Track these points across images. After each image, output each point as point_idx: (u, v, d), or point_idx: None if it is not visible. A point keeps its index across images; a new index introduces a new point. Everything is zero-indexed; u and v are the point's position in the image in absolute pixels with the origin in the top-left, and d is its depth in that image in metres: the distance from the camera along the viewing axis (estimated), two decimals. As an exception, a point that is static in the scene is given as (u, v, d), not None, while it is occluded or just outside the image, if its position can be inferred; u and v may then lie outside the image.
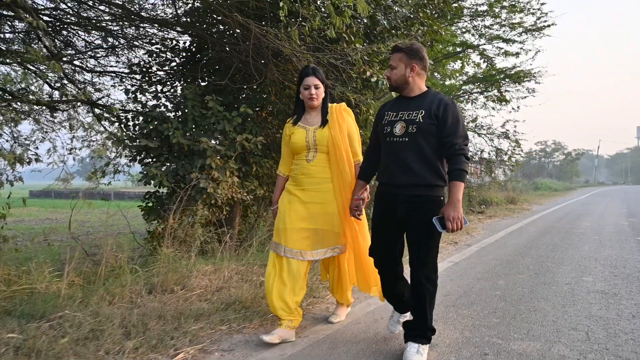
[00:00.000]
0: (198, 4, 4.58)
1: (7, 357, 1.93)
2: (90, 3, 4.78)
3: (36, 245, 5.14)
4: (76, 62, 5.71)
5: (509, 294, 3.29)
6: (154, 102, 4.72)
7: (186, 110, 4.11)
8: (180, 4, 4.87)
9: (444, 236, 5.71)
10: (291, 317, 2.38)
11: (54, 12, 4.96)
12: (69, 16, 5.03)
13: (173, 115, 4.35)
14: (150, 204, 4.25)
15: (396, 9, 4.49)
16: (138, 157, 4.22)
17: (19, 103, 5.03)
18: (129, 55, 5.71)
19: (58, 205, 16.76)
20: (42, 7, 4.86)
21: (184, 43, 4.97)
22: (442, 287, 3.26)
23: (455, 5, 7.99)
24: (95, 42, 5.56)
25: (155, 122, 3.98)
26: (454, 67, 11.44)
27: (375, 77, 4.13)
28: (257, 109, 4.63)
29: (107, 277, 3.07)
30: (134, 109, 4.96)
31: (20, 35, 5.21)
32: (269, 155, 4.65)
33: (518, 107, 11.53)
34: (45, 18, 4.79)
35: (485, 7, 9.69)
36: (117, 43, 5.48)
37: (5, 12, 4.58)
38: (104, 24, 5.08)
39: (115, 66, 5.88)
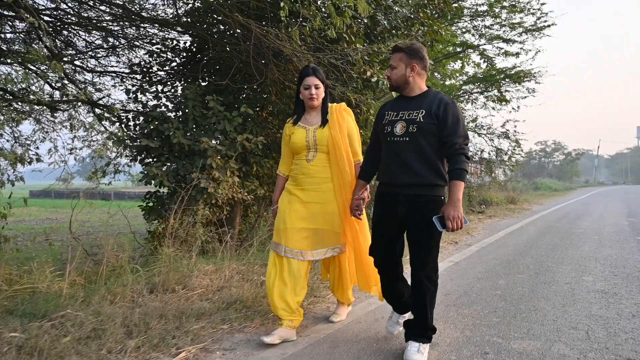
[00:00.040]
0: (198, 4, 4.59)
1: (10, 355, 1.94)
2: (91, 3, 4.79)
3: (36, 245, 5.15)
4: (77, 62, 5.71)
5: (509, 294, 3.30)
6: (155, 102, 4.73)
7: (187, 110, 4.12)
8: (181, 4, 4.88)
9: (444, 236, 5.71)
10: (292, 317, 2.38)
11: (55, 12, 4.97)
12: (69, 16, 5.04)
13: (174, 115, 4.36)
14: (150, 204, 4.25)
15: (396, 9, 4.50)
16: (139, 157, 4.23)
17: (19, 103, 5.04)
18: (129, 55, 5.72)
19: (58, 205, 16.77)
20: (43, 7, 4.87)
21: (185, 43, 4.99)
22: (442, 286, 3.27)
23: (456, 5, 8.00)
24: (95, 42, 5.57)
25: (156, 122, 3.98)
26: (454, 67, 11.45)
27: (376, 77, 4.14)
28: (257, 109, 4.64)
29: (109, 277, 3.08)
30: (135, 109, 4.97)
31: (21, 35, 5.22)
32: (270, 155, 4.66)
33: (518, 107, 11.55)
34: (46, 18, 4.79)
35: (485, 7, 9.70)
36: (117, 43, 5.49)
37: (6, 12, 4.59)
38: (105, 24, 5.09)
39: (116, 66, 5.90)
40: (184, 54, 4.95)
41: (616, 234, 6.53)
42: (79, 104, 5.65)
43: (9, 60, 5.01)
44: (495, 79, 11.01)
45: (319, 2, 3.81)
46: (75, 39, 5.46)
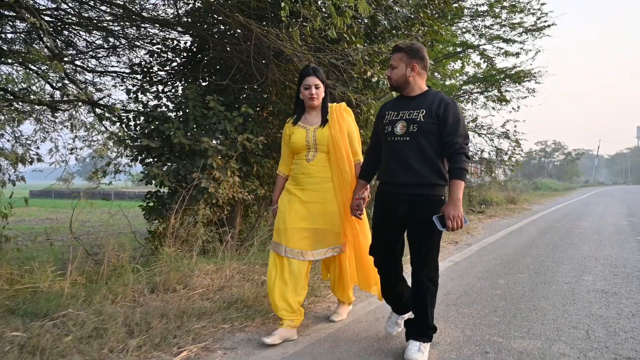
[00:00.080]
0: (199, 4, 4.60)
1: (12, 355, 1.95)
2: (92, 3, 4.79)
3: (37, 245, 5.15)
4: (77, 62, 5.72)
5: (510, 293, 3.30)
6: (155, 102, 4.74)
7: (187, 110, 4.12)
8: (181, 4, 4.88)
9: (444, 236, 5.72)
10: (293, 317, 2.39)
11: (55, 12, 4.98)
12: (70, 16, 5.05)
13: (174, 115, 4.36)
14: (151, 204, 4.26)
15: (397, 9, 4.51)
16: (139, 157, 4.24)
17: (20, 103, 5.05)
18: (130, 55, 5.72)
19: (59, 205, 16.78)
20: (44, 7, 4.87)
21: (185, 43, 4.99)
22: (442, 286, 3.28)
23: (456, 5, 8.00)
24: (96, 42, 5.58)
25: (157, 122, 3.99)
26: (454, 67, 11.45)
27: (376, 77, 4.15)
28: (258, 109, 4.64)
29: (109, 277, 3.09)
30: (135, 109, 4.98)
31: (22, 35, 5.23)
32: (270, 155, 4.67)
33: (518, 107, 11.55)
34: (47, 18, 4.80)
35: (485, 7, 9.71)
36: (118, 43, 5.50)
37: (6, 12, 4.59)
38: (105, 24, 5.09)
39: (117, 66, 5.91)
40: (185, 54, 4.95)
41: (616, 234, 6.53)
42: (80, 104, 5.65)
43: (9, 61, 5.02)
44: (495, 79, 11.02)
45: (319, 2, 3.82)
46: (75, 39, 5.47)
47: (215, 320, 2.55)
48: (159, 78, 5.06)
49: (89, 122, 5.96)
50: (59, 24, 5.06)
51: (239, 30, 3.96)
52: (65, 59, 5.35)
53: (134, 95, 4.84)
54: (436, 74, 10.51)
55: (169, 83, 5.01)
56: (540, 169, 47.80)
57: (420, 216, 2.09)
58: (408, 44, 2.20)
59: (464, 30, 10.29)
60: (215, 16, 4.35)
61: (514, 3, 9.63)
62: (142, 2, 5.03)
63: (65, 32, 5.32)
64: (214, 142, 3.96)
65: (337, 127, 2.49)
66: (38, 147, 5.63)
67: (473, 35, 10.37)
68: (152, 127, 3.98)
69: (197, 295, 2.94)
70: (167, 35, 5.12)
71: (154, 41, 5.15)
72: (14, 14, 4.45)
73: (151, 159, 4.20)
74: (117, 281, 2.95)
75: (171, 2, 4.90)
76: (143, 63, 5.10)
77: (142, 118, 4.41)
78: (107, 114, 5.48)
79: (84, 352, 2.04)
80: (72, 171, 5.87)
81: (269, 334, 2.36)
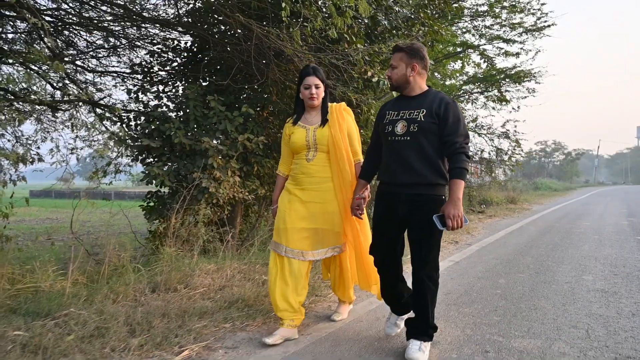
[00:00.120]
0: (199, 4, 4.60)
1: (15, 354, 1.95)
2: (92, 3, 4.80)
3: (37, 245, 5.17)
4: (78, 62, 5.73)
5: (510, 293, 3.31)
6: (156, 102, 4.74)
7: (188, 110, 4.13)
8: (182, 4, 4.89)
9: (444, 235, 5.73)
10: (293, 317, 2.39)
11: (56, 13, 4.99)
12: (70, 16, 5.05)
13: (175, 115, 4.37)
14: (151, 204, 4.27)
15: (397, 9, 4.52)
16: (140, 157, 4.24)
17: (21, 103, 5.05)
18: (130, 55, 5.73)
19: (59, 205, 16.78)
20: (44, 8, 4.88)
21: (186, 43, 5.00)
22: (443, 285, 3.29)
23: (456, 5, 8.01)
24: (96, 42, 5.58)
25: (157, 122, 4.00)
26: (454, 67, 11.46)
27: (377, 77, 4.15)
28: (258, 108, 4.65)
29: (111, 276, 3.09)
30: (136, 109, 4.98)
31: (22, 35, 5.23)
32: (270, 155, 4.67)
33: (518, 107, 11.55)
34: (47, 18, 4.80)
35: (485, 8, 9.71)
36: (118, 43, 5.50)
37: (7, 13, 4.60)
38: (106, 24, 5.10)
39: (117, 66, 5.91)
40: (185, 54, 4.96)
41: (616, 234, 6.54)
42: (80, 104, 5.66)
43: (10, 61, 5.02)
44: (496, 79, 11.02)
45: (319, 3, 3.82)
46: (76, 39, 5.48)
47: (216, 319, 2.56)
48: (160, 78, 5.06)
49: (89, 122, 5.97)
50: (60, 24, 5.07)
51: (239, 31, 3.97)
52: (66, 59, 5.35)
53: (135, 95, 4.84)
54: (436, 74, 10.52)
55: (170, 83, 5.02)
56: (540, 169, 47.81)
57: (421, 216, 2.09)
58: (408, 43, 2.21)
59: (464, 30, 10.30)
60: (216, 16, 4.36)
61: (514, 3, 9.64)
62: (142, 2, 5.04)
63: (66, 32, 5.32)
64: (215, 142, 3.97)
65: (337, 127, 2.49)
66: (38, 147, 5.65)
67: (473, 35, 10.38)
68: (153, 127, 3.99)
69: (198, 294, 2.95)
70: (168, 35, 5.13)
71: (155, 41, 5.16)
72: (15, 14, 4.46)
73: (152, 159, 4.21)
74: (118, 281, 2.96)
75: (172, 2, 4.90)
76: (143, 63, 5.11)
77: (142, 118, 4.42)
78: (107, 114, 5.48)
79: (86, 351, 2.04)
80: (73, 171, 5.87)
81: (270, 333, 2.37)
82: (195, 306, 2.71)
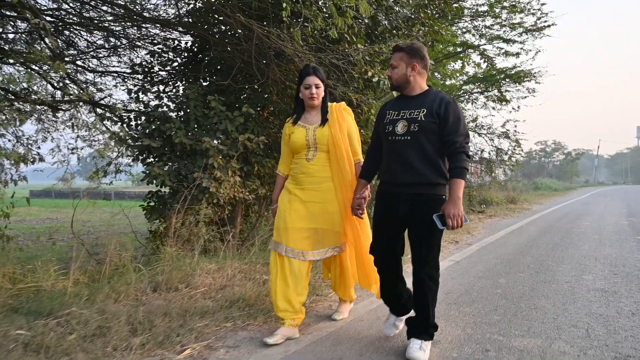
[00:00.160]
0: (200, 4, 4.61)
1: (17, 353, 1.96)
2: (93, 3, 4.81)
3: (37, 245, 5.17)
4: (78, 62, 5.73)
5: (510, 292, 3.32)
6: (156, 102, 4.75)
7: (188, 110, 4.14)
8: (182, 4, 4.90)
9: (445, 235, 5.74)
10: (294, 317, 2.40)
11: (57, 13, 4.99)
12: (71, 16, 5.06)
13: (175, 115, 4.37)
14: (152, 204, 4.27)
15: (397, 9, 4.52)
16: (140, 157, 4.25)
17: (21, 103, 5.06)
18: (131, 55, 5.74)
19: (59, 205, 16.79)
20: (45, 8, 4.89)
21: (186, 43, 5.00)
22: (443, 285, 3.29)
23: (456, 5, 8.01)
24: (97, 42, 5.59)
25: (158, 122, 4.00)
26: (454, 67, 11.47)
27: (377, 77, 4.16)
28: (258, 108, 4.66)
29: (112, 276, 3.10)
30: (137, 109, 4.99)
31: (23, 35, 5.24)
32: (271, 155, 4.68)
33: (518, 107, 11.56)
34: (48, 18, 4.81)
35: (485, 8, 9.72)
36: (119, 43, 5.51)
37: (8, 13, 4.61)
38: (106, 24, 5.10)
39: (118, 66, 5.92)
40: (186, 54, 4.97)
41: (616, 234, 6.55)
42: (81, 103, 5.67)
43: (11, 61, 5.03)
44: (496, 79, 11.03)
45: (320, 3, 3.83)
46: (76, 39, 5.49)
47: (217, 318, 2.57)
48: (160, 78, 5.07)
49: (90, 122, 5.97)
50: (60, 24, 5.08)
51: (239, 31, 3.97)
52: (67, 59, 5.36)
53: (135, 95, 4.85)
54: (436, 74, 10.52)
55: (170, 83, 5.02)
56: (540, 169, 47.82)
57: (421, 215, 2.09)
58: (408, 43, 2.21)
59: (464, 30, 10.31)
60: (216, 16, 4.37)
61: (514, 3, 9.65)
62: (143, 3, 5.05)
63: (67, 32, 5.33)
64: (215, 142, 3.97)
65: (337, 127, 2.49)
66: (39, 147, 5.65)
67: (473, 35, 10.39)
68: (154, 127, 3.99)
69: (199, 294, 2.95)
70: (168, 36, 5.13)
71: (155, 41, 5.17)
72: (16, 14, 4.47)
73: (152, 159, 4.22)
74: (119, 280, 2.96)
75: (172, 2, 4.91)
76: (144, 63, 5.11)
77: (143, 118, 4.42)
78: (108, 114, 5.49)
79: (88, 350, 2.05)
80: (73, 171, 5.88)
81: (271, 332, 2.38)
82: (196, 305, 2.71)
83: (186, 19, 4.82)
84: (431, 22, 4.92)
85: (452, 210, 1.96)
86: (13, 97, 5.06)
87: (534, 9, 9.82)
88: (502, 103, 11.33)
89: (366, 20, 4.43)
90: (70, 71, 5.59)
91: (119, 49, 5.61)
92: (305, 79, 2.46)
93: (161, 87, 4.95)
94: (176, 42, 5.02)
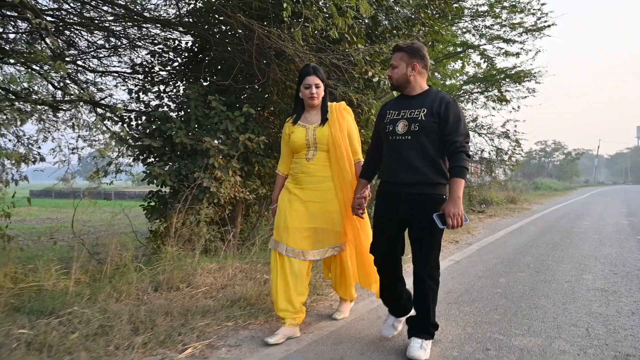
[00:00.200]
0: (200, 4, 4.62)
1: (20, 352, 1.97)
2: (93, 3, 4.81)
3: (38, 245, 5.17)
4: (79, 62, 5.74)
5: (510, 292, 3.33)
6: (157, 102, 4.76)
7: (189, 110, 4.14)
8: (183, 4, 4.90)
9: (445, 235, 5.74)
10: (295, 316, 2.40)
11: (57, 13, 5.00)
12: (71, 16, 5.07)
13: (176, 115, 4.38)
14: (152, 204, 4.28)
15: (397, 9, 4.53)
16: (141, 157, 4.26)
17: (22, 103, 5.06)
18: (131, 55, 5.74)
19: (59, 205, 16.80)
20: (46, 8, 4.89)
21: (187, 43, 5.01)
22: (443, 284, 3.30)
23: (456, 5, 8.02)
24: (97, 42, 5.60)
25: (159, 122, 4.01)
26: (454, 67, 11.48)
27: (377, 77, 4.17)
28: (259, 108, 4.67)
29: (113, 275, 3.11)
30: (137, 109, 5.00)
31: (24, 35, 5.25)
32: (271, 155, 4.69)
33: (518, 107, 11.58)
34: (49, 18, 4.82)
35: (485, 8, 9.73)
36: (119, 43, 5.51)
37: (8, 13, 4.61)
38: (107, 24, 5.11)
39: (118, 66, 5.92)
40: (186, 54, 4.97)
41: (616, 233, 6.56)
42: (81, 103, 5.67)
43: (11, 61, 5.03)
44: (496, 78, 11.04)
45: (320, 3, 3.84)
46: (77, 39, 5.49)
47: (218, 318, 2.58)
48: (161, 78, 5.08)
49: (91, 121, 5.98)
50: (61, 24, 5.08)
51: (240, 31, 3.98)
52: (67, 59, 5.37)
53: (136, 95, 4.85)
54: (436, 73, 10.53)
55: (171, 83, 5.03)
56: (540, 169, 47.83)
57: (422, 215, 2.10)
58: (408, 43, 2.22)
59: (464, 30, 10.32)
60: (217, 16, 4.37)
61: (514, 3, 9.66)
62: (143, 3, 5.05)
63: (67, 32, 5.34)
64: (216, 141, 3.98)
65: (337, 126, 2.49)
66: (39, 147, 5.66)
67: (473, 35, 10.41)
68: (154, 126, 4.00)
69: (200, 293, 2.96)
70: (169, 36, 5.14)
71: (156, 41, 5.18)
72: (16, 14, 4.47)
73: (153, 159, 4.23)
74: (120, 280, 2.97)
75: (173, 2, 4.92)
76: (144, 63, 5.12)
77: (143, 118, 4.43)
78: (108, 114, 5.50)
79: (91, 349, 2.06)
80: (73, 171, 5.89)
81: (272, 331, 2.39)
82: (197, 305, 2.72)
83: (187, 19, 4.83)
84: (431, 22, 4.93)
85: (452, 210, 1.96)
86: (14, 97, 5.07)
87: (534, 9, 9.84)
88: (502, 103, 11.34)
89: (366, 21, 4.44)
90: (70, 71, 5.60)
91: (119, 49, 5.62)
92: (305, 79, 2.47)
93: (162, 87, 4.96)
94: (177, 42, 5.03)
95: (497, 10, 9.80)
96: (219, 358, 2.14)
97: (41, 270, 2.94)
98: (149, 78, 5.04)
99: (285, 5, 3.19)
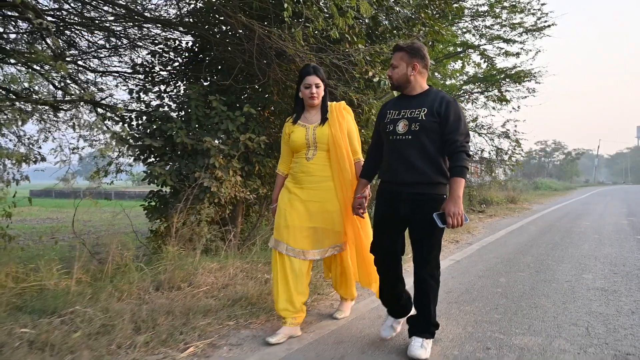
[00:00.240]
0: (201, 4, 4.62)
1: (22, 350, 1.98)
2: (94, 4, 4.82)
3: (38, 244, 5.18)
4: (79, 62, 5.75)
5: (510, 291, 3.34)
6: (158, 102, 4.77)
7: (189, 110, 4.15)
8: (183, 4, 4.91)
9: (445, 235, 5.75)
10: (295, 315, 2.41)
11: (58, 13, 5.01)
12: (72, 16, 5.07)
13: (177, 115, 4.39)
14: (153, 203, 4.28)
15: (398, 9, 4.54)
16: (142, 157, 4.26)
17: (23, 103, 5.07)
18: (132, 55, 5.75)
19: (59, 204, 16.80)
20: (46, 8, 4.90)
21: (187, 43, 5.02)
22: (444, 284, 3.30)
23: (456, 5, 8.03)
24: (98, 42, 5.60)
25: (159, 122, 4.02)
26: (454, 67, 11.48)
27: (378, 77, 4.17)
28: (259, 108, 4.67)
29: (114, 275, 3.12)
30: (138, 109, 5.01)
31: (24, 35, 5.25)
32: (272, 155, 4.69)
33: (518, 106, 11.57)
34: (49, 18, 4.82)
35: (486, 8, 9.74)
36: (120, 43, 5.52)
37: (9, 13, 4.62)
38: (107, 25, 5.12)
39: (119, 66, 5.93)
40: (187, 54, 4.98)
41: (616, 233, 6.57)
42: (82, 103, 5.68)
43: (12, 61, 5.04)
44: (496, 78, 11.04)
45: (321, 3, 3.85)
46: (77, 39, 5.50)
47: (220, 317, 2.59)
48: (161, 78, 5.08)
49: (91, 121, 5.99)
50: (61, 24, 5.09)
51: (240, 31, 3.99)
52: (68, 59, 5.37)
53: (136, 95, 4.86)
54: (437, 73, 10.54)
55: (171, 83, 5.04)
56: (540, 169, 47.84)
57: (422, 215, 2.10)
58: (409, 43, 2.22)
59: (464, 30, 10.32)
60: (217, 16, 4.38)
61: (514, 3, 9.66)
62: (144, 3, 5.06)
63: (68, 32, 5.35)
64: (216, 141, 3.99)
65: (337, 126, 2.50)
66: (40, 147, 5.66)
67: (473, 35, 10.41)
68: (155, 126, 4.00)
69: (201, 293, 2.97)
70: (169, 36, 5.15)
71: (156, 41, 5.18)
72: (17, 14, 4.48)
73: (154, 159, 4.23)
74: (122, 279, 2.98)
75: (173, 2, 4.93)
76: (145, 63, 5.13)
77: (144, 118, 4.44)
78: (109, 114, 5.50)
79: (93, 348, 2.07)
80: (74, 171, 5.89)
81: (273, 331, 2.40)
82: (199, 304, 2.73)
83: (187, 19, 4.84)
84: (432, 22, 4.93)
85: (453, 209, 1.97)
86: (15, 97, 5.08)
87: (534, 9, 9.84)
88: (502, 103, 11.35)
89: (367, 21, 4.45)
90: (71, 71, 5.60)
91: (120, 49, 5.62)
92: (306, 79, 2.47)
93: (162, 87, 4.97)
94: (177, 42, 5.04)
95: (497, 10, 9.80)
96: (220, 357, 2.15)
97: (43, 270, 2.95)
98: (150, 78, 5.05)
99: (286, 5, 3.20)
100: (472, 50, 10.65)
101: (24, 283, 2.83)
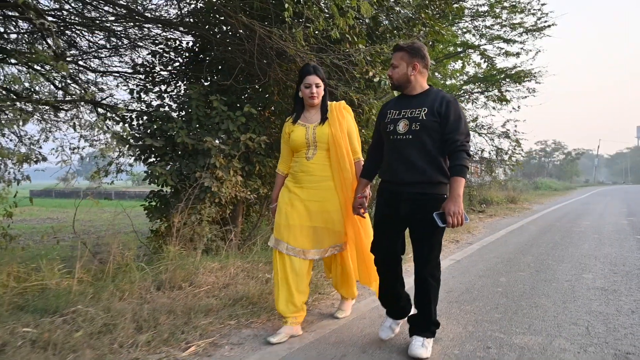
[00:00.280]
0: (201, 4, 4.63)
1: (25, 349, 1.98)
2: (94, 4, 4.83)
3: (39, 244, 5.19)
4: (80, 62, 5.76)
5: (511, 291, 3.34)
6: (158, 102, 4.77)
7: (190, 110, 4.16)
8: (184, 4, 4.92)
9: (445, 234, 5.76)
10: (296, 315, 2.41)
11: (58, 13, 5.01)
12: (73, 17, 5.08)
13: (177, 115, 4.39)
14: (154, 203, 4.29)
15: (398, 9, 4.55)
16: (142, 157, 4.27)
17: (24, 103, 5.08)
18: (132, 55, 5.76)
19: (60, 204, 16.81)
20: (47, 8, 4.91)
21: (187, 43, 5.02)
22: (444, 284, 3.32)
23: (457, 5, 8.04)
24: (99, 42, 5.61)
25: (160, 122, 4.02)
26: (454, 67, 11.49)
27: (378, 77, 4.18)
28: (260, 108, 4.68)
29: (115, 275, 3.12)
30: (138, 109, 5.01)
31: (25, 35, 5.26)
32: (272, 155, 4.70)
33: (518, 106, 11.58)
34: (50, 18, 4.83)
35: (486, 8, 9.75)
36: (120, 43, 5.53)
37: (10, 13, 4.63)
38: (108, 25, 5.13)
39: (119, 66, 5.94)
40: (187, 54, 4.98)
41: (616, 233, 6.57)
42: (82, 103, 5.69)
43: (13, 61, 5.05)
44: (496, 78, 11.05)
45: (321, 3, 3.85)
46: (78, 39, 5.51)
47: (221, 316, 2.59)
48: (162, 78, 5.09)
49: (92, 121, 5.99)
50: (62, 24, 5.09)
51: (241, 31, 3.99)
52: (68, 59, 5.38)
53: (137, 95, 4.87)
54: (437, 73, 10.54)
55: (172, 83, 5.04)
56: (540, 169, 47.83)
57: (423, 214, 2.10)
58: (409, 43, 2.22)
59: (464, 30, 10.33)
60: (218, 16, 4.39)
61: (514, 3, 9.67)
62: (144, 3, 5.07)
63: (68, 33, 5.35)
64: (217, 141, 4.00)
65: (337, 125, 2.50)
66: (40, 147, 5.67)
67: (473, 35, 10.42)
68: (155, 126, 4.01)
69: (202, 292, 2.98)
70: (170, 36, 5.15)
71: (157, 41, 5.19)
72: (18, 14, 4.49)
73: (154, 159, 4.24)
74: (123, 279, 2.99)
75: (174, 2, 4.93)
76: (145, 63, 5.14)
77: (145, 118, 4.45)
78: (110, 114, 5.51)
79: (95, 347, 2.07)
80: (74, 170, 5.90)
81: (274, 330, 2.40)
82: (200, 303, 2.74)
83: (188, 19, 4.84)
84: (432, 23, 4.94)
85: (453, 208, 1.97)
86: (15, 97, 5.09)
87: (534, 9, 9.85)
88: (502, 103, 11.35)
89: (367, 21, 4.45)
90: (72, 71, 5.61)
91: (120, 49, 5.63)
92: (306, 78, 2.47)
93: (163, 87, 4.97)
94: (178, 42, 5.04)
95: (498, 11, 9.81)
96: (222, 356, 2.16)
97: (44, 270, 2.95)
98: (150, 78, 5.05)
99: (286, 5, 3.21)
100: (472, 50, 10.66)
101: (26, 283, 2.84)
